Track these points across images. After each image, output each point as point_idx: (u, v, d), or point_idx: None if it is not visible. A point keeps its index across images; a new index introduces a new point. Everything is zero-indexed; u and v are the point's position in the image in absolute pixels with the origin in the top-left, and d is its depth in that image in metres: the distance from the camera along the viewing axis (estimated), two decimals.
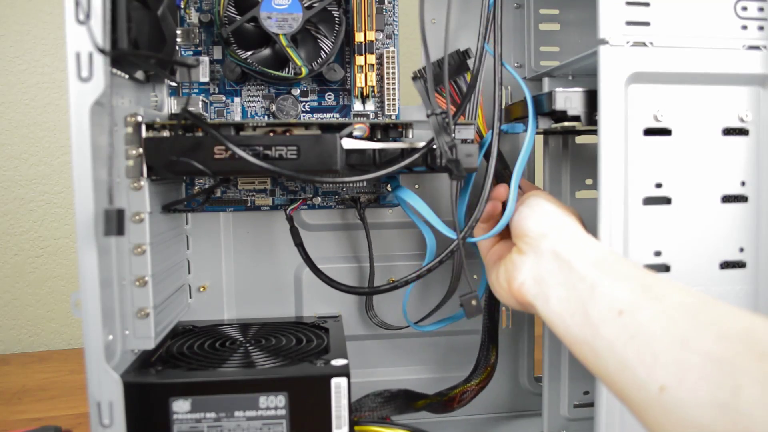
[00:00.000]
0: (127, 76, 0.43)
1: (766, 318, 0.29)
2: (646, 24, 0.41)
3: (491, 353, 0.55)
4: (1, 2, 0.90)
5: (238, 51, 0.48)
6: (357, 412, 0.50)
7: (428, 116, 0.39)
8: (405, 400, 0.53)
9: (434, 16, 0.57)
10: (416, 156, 0.41)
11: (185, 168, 0.40)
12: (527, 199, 0.44)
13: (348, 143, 0.41)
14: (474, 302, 0.44)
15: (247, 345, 0.48)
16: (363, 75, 0.51)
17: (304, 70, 0.48)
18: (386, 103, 0.52)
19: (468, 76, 0.49)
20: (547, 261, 0.39)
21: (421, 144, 0.42)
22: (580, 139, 0.57)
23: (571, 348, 0.36)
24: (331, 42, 0.48)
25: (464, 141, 0.45)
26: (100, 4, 0.35)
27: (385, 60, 0.51)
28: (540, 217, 0.41)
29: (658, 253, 0.42)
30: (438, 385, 0.57)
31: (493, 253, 0.47)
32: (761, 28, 0.42)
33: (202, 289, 0.58)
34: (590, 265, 0.36)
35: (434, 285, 0.61)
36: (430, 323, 0.56)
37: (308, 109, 0.53)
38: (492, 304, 0.55)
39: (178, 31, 0.51)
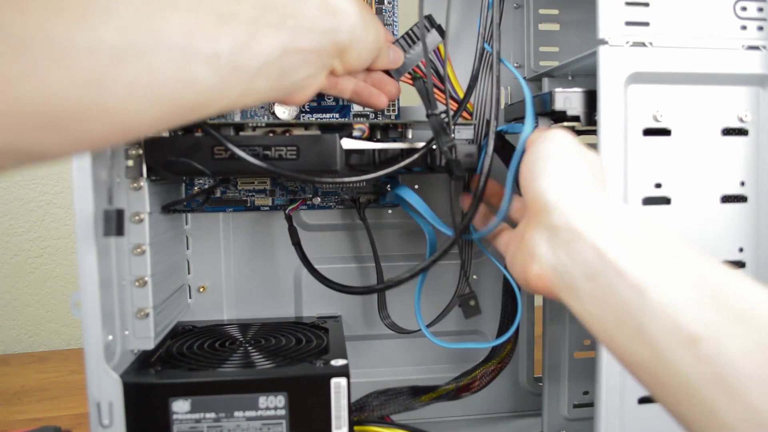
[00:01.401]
0: None
1: None
2: (646, 24, 0.41)
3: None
4: None
5: None
6: (359, 412, 0.50)
7: (428, 116, 0.39)
8: (409, 396, 0.52)
9: (434, 16, 0.57)
10: (416, 156, 0.41)
11: (185, 168, 0.40)
12: (543, 143, 0.35)
13: (347, 143, 0.41)
14: (472, 302, 0.44)
15: (247, 345, 0.48)
16: None
17: None
18: None
19: (440, 49, 0.46)
20: (566, 242, 0.30)
21: (421, 144, 0.42)
22: (579, 139, 0.57)
23: (619, 358, 0.28)
24: None
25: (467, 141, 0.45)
26: None
27: None
28: (555, 177, 0.32)
29: None
30: (441, 384, 0.57)
31: (510, 244, 0.39)
32: (761, 28, 0.42)
33: (201, 290, 0.58)
34: (628, 254, 0.27)
35: (452, 286, 0.60)
36: (455, 342, 0.54)
37: (308, 109, 0.53)
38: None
39: None
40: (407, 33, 0.42)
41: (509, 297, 0.53)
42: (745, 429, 0.23)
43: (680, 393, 0.25)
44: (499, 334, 0.54)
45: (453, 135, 0.41)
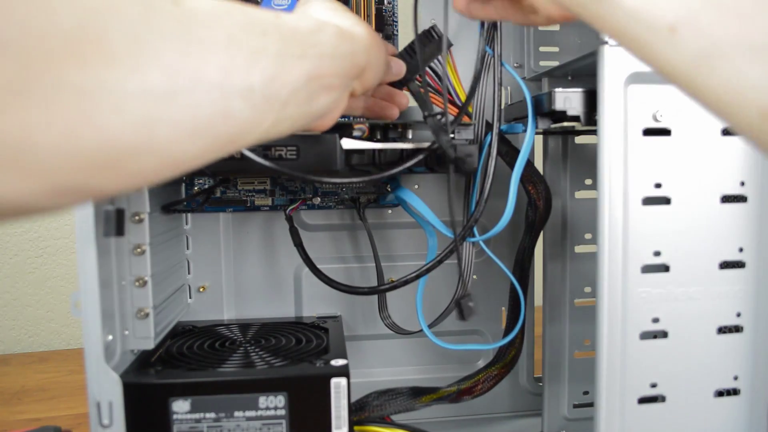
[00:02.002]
0: None
1: None
2: None
3: (516, 336, 0.52)
4: None
5: None
6: (359, 412, 0.50)
7: (425, 118, 0.39)
8: (410, 396, 0.52)
9: (433, 15, 0.57)
10: (420, 157, 0.41)
11: None
12: None
13: (348, 143, 0.41)
14: (471, 304, 0.44)
15: (247, 345, 0.48)
16: None
17: None
18: None
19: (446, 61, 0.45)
20: None
21: (425, 144, 0.42)
22: (579, 139, 0.57)
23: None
24: None
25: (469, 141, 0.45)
26: None
27: None
28: None
29: (657, 253, 0.42)
30: (440, 384, 0.57)
31: None
32: None
33: (201, 290, 0.58)
34: None
35: (453, 286, 0.60)
36: (455, 342, 0.53)
37: None
38: (522, 277, 0.52)
39: None
40: (410, 45, 0.43)
41: (512, 300, 0.53)
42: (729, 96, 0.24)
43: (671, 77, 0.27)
44: (496, 358, 0.54)
45: (453, 134, 0.41)
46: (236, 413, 0.40)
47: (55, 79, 0.18)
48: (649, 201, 0.42)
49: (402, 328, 0.57)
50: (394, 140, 0.45)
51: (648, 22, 0.26)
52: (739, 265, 0.43)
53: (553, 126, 0.46)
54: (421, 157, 0.41)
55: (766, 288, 0.43)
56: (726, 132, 0.42)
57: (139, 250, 0.42)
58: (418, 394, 0.52)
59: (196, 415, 0.40)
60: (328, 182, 0.41)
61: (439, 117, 0.39)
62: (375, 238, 0.56)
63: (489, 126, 0.47)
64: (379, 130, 0.45)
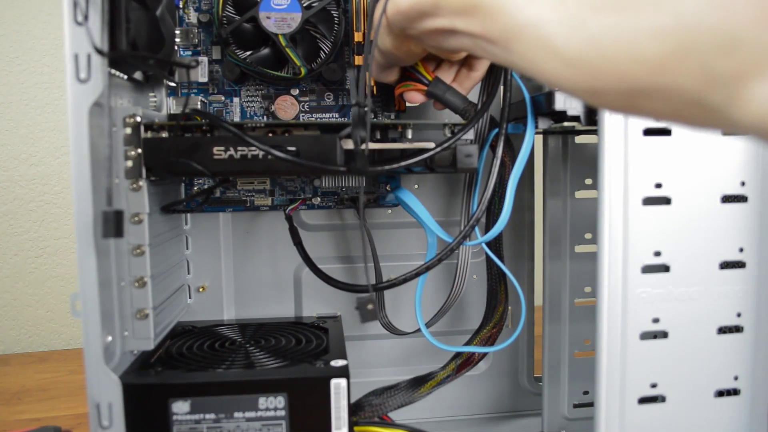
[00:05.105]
0: (125, 77, 0.43)
1: None
2: None
3: (500, 291, 0.53)
4: (1, 2, 0.90)
5: (237, 51, 0.48)
6: (359, 412, 0.49)
7: (352, 106, 0.38)
8: (410, 388, 0.52)
9: None
10: (422, 157, 0.41)
11: (184, 168, 0.40)
12: None
13: (348, 143, 0.41)
14: (370, 306, 0.42)
15: (247, 345, 0.48)
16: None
17: (303, 70, 0.47)
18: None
19: None
20: None
21: (427, 144, 0.42)
22: (579, 139, 0.57)
23: None
24: (330, 42, 0.48)
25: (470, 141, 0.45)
26: (98, 4, 0.35)
27: None
28: None
29: (657, 254, 0.42)
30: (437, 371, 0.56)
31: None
32: None
33: (201, 290, 0.58)
34: None
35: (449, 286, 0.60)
36: (453, 341, 0.53)
37: (307, 109, 0.53)
38: (497, 244, 0.52)
39: (177, 32, 0.51)
40: None
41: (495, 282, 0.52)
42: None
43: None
44: (485, 319, 0.53)
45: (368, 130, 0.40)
46: (236, 414, 0.40)
47: None
48: (649, 201, 0.42)
49: (397, 329, 0.56)
50: (394, 140, 0.45)
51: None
52: (739, 265, 0.43)
53: (553, 126, 0.46)
54: (419, 159, 0.41)
55: (766, 288, 0.43)
56: (727, 132, 0.42)
57: (138, 250, 0.42)
58: (417, 384, 0.52)
59: (196, 416, 0.40)
60: (332, 170, 0.40)
61: (365, 109, 0.38)
62: (375, 238, 0.56)
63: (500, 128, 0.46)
64: (379, 130, 0.45)
